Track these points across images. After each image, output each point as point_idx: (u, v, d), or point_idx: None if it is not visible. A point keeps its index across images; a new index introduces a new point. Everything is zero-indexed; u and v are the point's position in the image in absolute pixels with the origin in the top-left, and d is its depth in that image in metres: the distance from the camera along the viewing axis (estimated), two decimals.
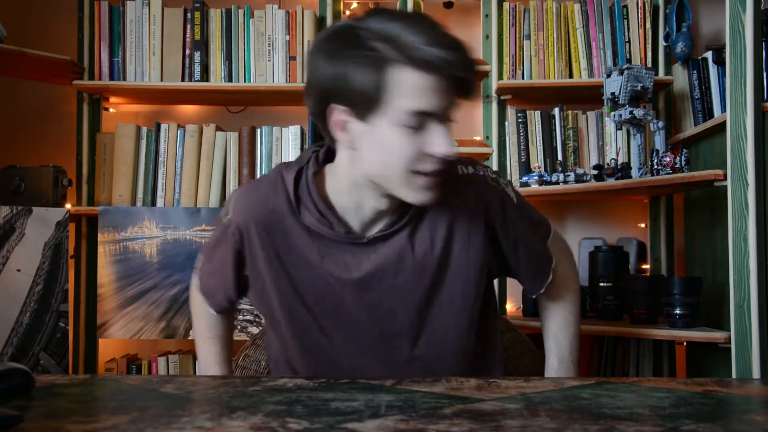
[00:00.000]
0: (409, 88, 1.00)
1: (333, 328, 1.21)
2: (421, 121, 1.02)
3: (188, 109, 2.78)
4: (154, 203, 2.48)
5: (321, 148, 1.20)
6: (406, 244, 1.17)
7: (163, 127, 2.51)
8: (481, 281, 1.23)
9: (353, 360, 1.22)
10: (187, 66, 2.51)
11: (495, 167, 2.53)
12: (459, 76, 1.02)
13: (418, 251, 1.17)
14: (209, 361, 1.36)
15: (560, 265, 1.34)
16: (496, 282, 2.46)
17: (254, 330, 2.33)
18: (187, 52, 2.51)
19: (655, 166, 2.13)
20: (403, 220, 1.16)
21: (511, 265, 1.28)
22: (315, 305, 1.20)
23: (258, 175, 2.48)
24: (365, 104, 1.02)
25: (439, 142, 1.03)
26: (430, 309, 1.21)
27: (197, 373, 1.26)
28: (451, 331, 1.23)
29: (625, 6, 2.51)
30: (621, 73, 2.21)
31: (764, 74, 1.97)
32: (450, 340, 1.23)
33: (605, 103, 2.29)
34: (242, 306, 2.37)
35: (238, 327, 2.35)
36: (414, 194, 1.08)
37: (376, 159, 1.06)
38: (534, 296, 1.35)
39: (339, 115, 1.06)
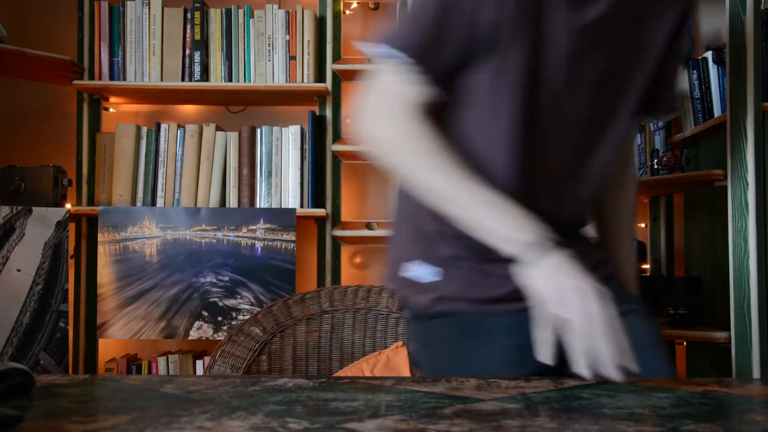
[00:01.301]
0: None
1: (564, 99, 1.04)
2: None
3: (188, 109, 2.78)
4: (154, 203, 2.48)
5: None
6: None
7: (163, 127, 2.51)
8: None
9: (562, 149, 1.07)
10: (187, 66, 2.51)
11: None
12: None
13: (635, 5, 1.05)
14: (484, 199, 0.99)
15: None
16: None
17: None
18: (187, 52, 2.51)
19: (655, 166, 2.13)
20: None
21: (667, 68, 1.14)
22: (557, 66, 1.02)
23: (258, 175, 2.47)
24: None
25: None
26: (625, 88, 1.08)
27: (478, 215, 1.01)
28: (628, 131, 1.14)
29: None
30: None
31: (764, 74, 1.97)
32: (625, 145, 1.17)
33: None
34: (243, 306, 2.37)
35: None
36: None
37: None
38: (666, 119, 1.23)
39: None
